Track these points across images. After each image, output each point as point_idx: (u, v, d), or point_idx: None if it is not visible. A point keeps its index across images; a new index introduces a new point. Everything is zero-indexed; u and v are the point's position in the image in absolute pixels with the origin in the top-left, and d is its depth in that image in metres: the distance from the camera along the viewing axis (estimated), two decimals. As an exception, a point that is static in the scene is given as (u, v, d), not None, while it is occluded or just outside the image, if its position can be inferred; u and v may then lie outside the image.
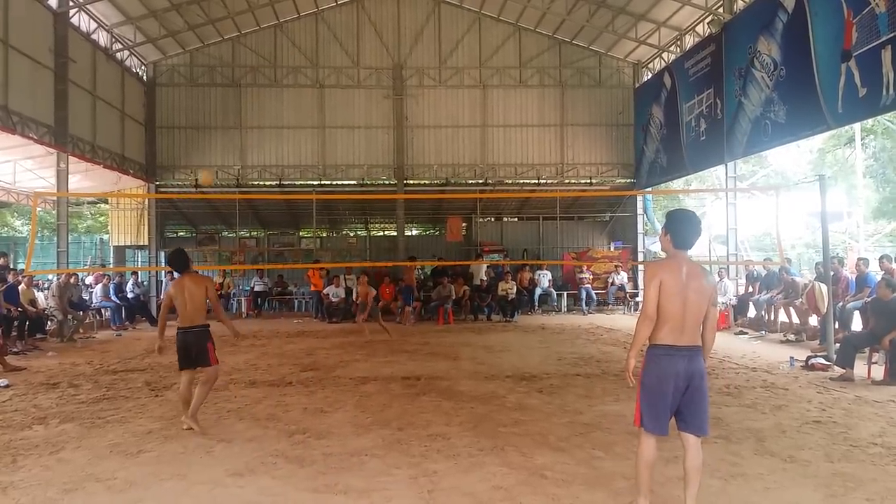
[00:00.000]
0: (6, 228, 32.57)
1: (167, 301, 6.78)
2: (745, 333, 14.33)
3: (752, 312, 15.16)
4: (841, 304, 11.68)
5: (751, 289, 15.57)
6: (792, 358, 10.37)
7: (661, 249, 4.47)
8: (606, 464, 5.37)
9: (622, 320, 18.51)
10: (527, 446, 5.84)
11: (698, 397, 4.19)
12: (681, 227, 4.23)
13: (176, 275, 6.74)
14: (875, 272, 12.11)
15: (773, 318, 14.32)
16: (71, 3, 16.19)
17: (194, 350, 6.54)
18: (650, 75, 21.63)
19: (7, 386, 9.02)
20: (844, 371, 9.02)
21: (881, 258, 11.65)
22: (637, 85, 22.40)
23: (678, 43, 19.58)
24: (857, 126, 22.66)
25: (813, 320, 12.84)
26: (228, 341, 10.39)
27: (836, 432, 6.30)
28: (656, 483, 4.89)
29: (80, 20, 17.13)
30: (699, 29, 18.18)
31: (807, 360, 10.04)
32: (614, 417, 6.92)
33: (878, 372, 8.98)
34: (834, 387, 8.55)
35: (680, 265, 4.19)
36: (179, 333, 6.57)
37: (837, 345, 9.95)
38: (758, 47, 14.59)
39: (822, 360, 9.89)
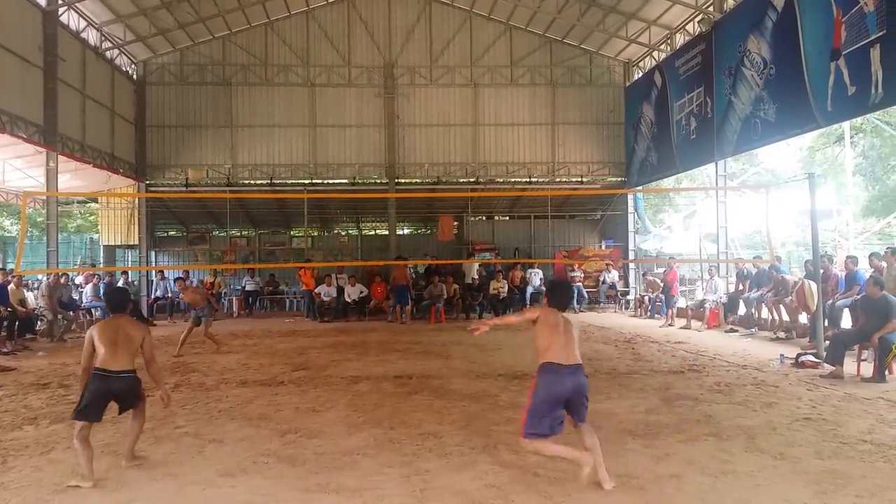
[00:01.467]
0: (-5, 228, 32.38)
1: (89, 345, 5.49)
2: (736, 331, 14.39)
3: (742, 310, 15.22)
4: (830, 301, 11.73)
5: (741, 287, 15.63)
6: (782, 355, 10.41)
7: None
8: (598, 462, 5.38)
9: (613, 318, 18.57)
10: (518, 444, 5.84)
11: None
12: (555, 293, 5.50)
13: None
14: (864, 270, 12.18)
15: (763, 315, 14.38)
16: (60, 2, 16.13)
17: (129, 395, 5.50)
18: (641, 74, 21.68)
19: (-3, 386, 8.97)
20: (834, 368, 9.06)
21: (871, 256, 11.72)
22: (628, 84, 22.45)
23: (669, 42, 19.64)
24: (846, 124, 22.73)
25: (803, 318, 12.90)
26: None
27: (825, 429, 6.34)
28: (647, 480, 4.92)
29: (70, 18, 17.05)
30: (689, 28, 18.25)
31: (797, 358, 10.09)
32: (606, 415, 6.94)
33: (867, 369, 9.04)
34: (824, 384, 8.59)
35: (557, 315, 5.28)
36: (102, 377, 5.35)
37: (827, 342, 10.00)
38: (748, 46, 14.65)
39: (812, 358, 9.95)
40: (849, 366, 9.19)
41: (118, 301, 5.83)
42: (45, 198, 17.52)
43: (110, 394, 5.35)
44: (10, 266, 18.45)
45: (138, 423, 5.60)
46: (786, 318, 13.53)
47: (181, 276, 16.10)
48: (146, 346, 5.60)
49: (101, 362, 5.34)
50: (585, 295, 20.88)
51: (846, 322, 11.63)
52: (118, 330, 5.46)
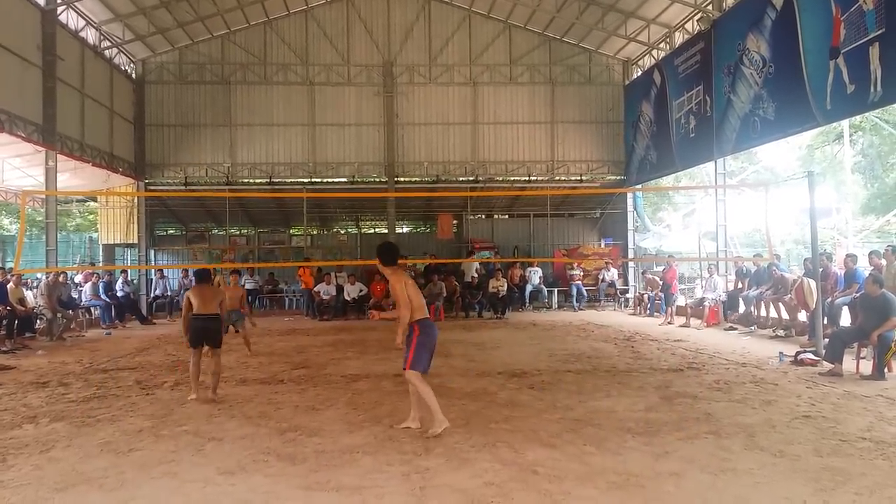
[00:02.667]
0: (-6, 227, 32.35)
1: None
2: (735, 329, 14.41)
3: (741, 308, 15.23)
4: (829, 299, 11.74)
5: (740, 285, 15.64)
6: (781, 353, 10.42)
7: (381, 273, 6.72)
8: (597, 459, 5.39)
9: (613, 316, 18.59)
10: (518, 442, 5.86)
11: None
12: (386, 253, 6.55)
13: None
14: (863, 268, 12.19)
15: (762, 313, 14.39)
16: (59, 1, 16.10)
17: (214, 333, 8.12)
18: (640, 72, 21.69)
19: (-4, 385, 8.97)
20: (833, 366, 9.07)
21: (870, 254, 11.73)
22: (627, 82, 22.46)
23: (668, 40, 19.64)
24: (845, 122, 22.73)
25: (802, 316, 12.91)
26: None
27: (825, 427, 6.34)
28: (647, 478, 4.93)
29: (69, 17, 17.05)
30: (689, 26, 18.25)
31: (796, 356, 10.09)
32: (605, 413, 6.95)
33: (866, 367, 9.04)
34: (823, 382, 8.60)
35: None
36: (198, 319, 8.04)
37: (826, 340, 10.01)
38: (747, 44, 14.65)
39: (811, 356, 9.96)
40: (848, 363, 9.19)
41: (204, 275, 8.60)
42: (44, 197, 17.51)
43: (202, 330, 7.98)
44: (9, 265, 18.44)
45: (215, 363, 8.04)
46: (785, 316, 13.53)
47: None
48: (223, 302, 8.48)
49: (196, 310, 7.97)
50: (585, 293, 20.89)
51: (845, 320, 11.64)
52: (204, 291, 8.19)
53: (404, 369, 6.25)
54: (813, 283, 11.11)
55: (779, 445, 5.74)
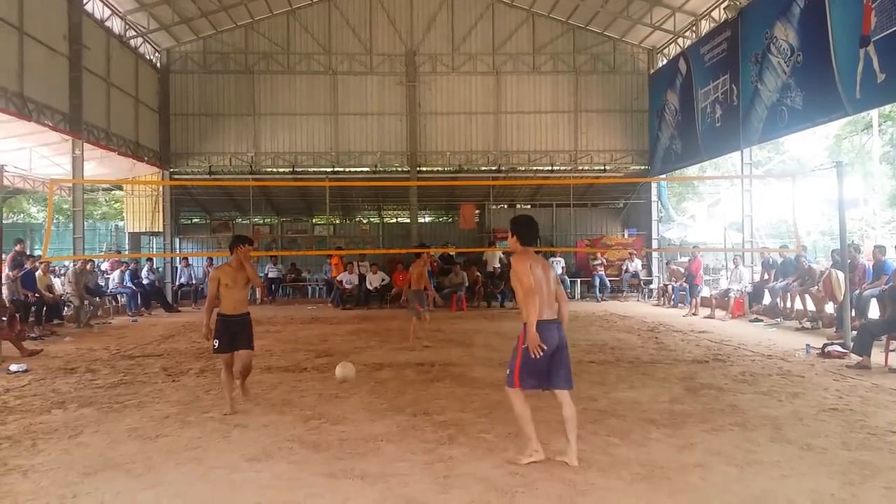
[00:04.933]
0: (22, 215, 32.81)
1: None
2: (760, 321, 14.26)
3: (766, 300, 15.08)
4: (858, 291, 11.59)
5: (766, 276, 15.48)
6: (808, 345, 10.31)
7: (510, 249, 5.41)
8: (622, 451, 5.37)
9: (636, 307, 18.49)
10: (542, 433, 5.78)
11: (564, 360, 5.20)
12: (526, 229, 5.32)
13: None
14: (892, 259, 12.00)
15: (788, 305, 14.23)
16: (85, -10, 16.24)
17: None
18: (665, 61, 21.45)
19: (26, 370, 9.11)
20: (861, 359, 8.96)
21: (897, 246, 11.57)
22: (652, 71, 22.22)
23: (694, 28, 19.39)
24: (874, 112, 22.37)
25: (829, 308, 12.76)
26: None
27: (853, 420, 6.26)
28: (671, 470, 4.89)
29: (94, 7, 17.18)
30: (715, 14, 17.98)
31: (823, 348, 9.98)
32: (629, 405, 6.91)
33: (896, 360, 8.93)
34: (850, 374, 8.50)
35: (535, 258, 5.21)
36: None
37: (854, 332, 9.88)
38: (774, 33, 14.43)
39: (839, 348, 9.83)
40: (876, 356, 9.06)
41: (242, 240, 7.19)
42: (71, 185, 17.71)
43: (231, 335, 6.87)
44: (37, 252, 18.67)
45: (245, 360, 6.96)
46: (811, 307, 13.39)
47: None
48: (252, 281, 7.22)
49: (223, 309, 6.87)
50: (608, 283, 20.80)
51: (873, 312, 11.49)
52: (238, 275, 6.95)
53: (510, 385, 5.13)
54: (841, 275, 10.95)
55: (806, 438, 5.68)
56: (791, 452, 5.31)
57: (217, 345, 6.80)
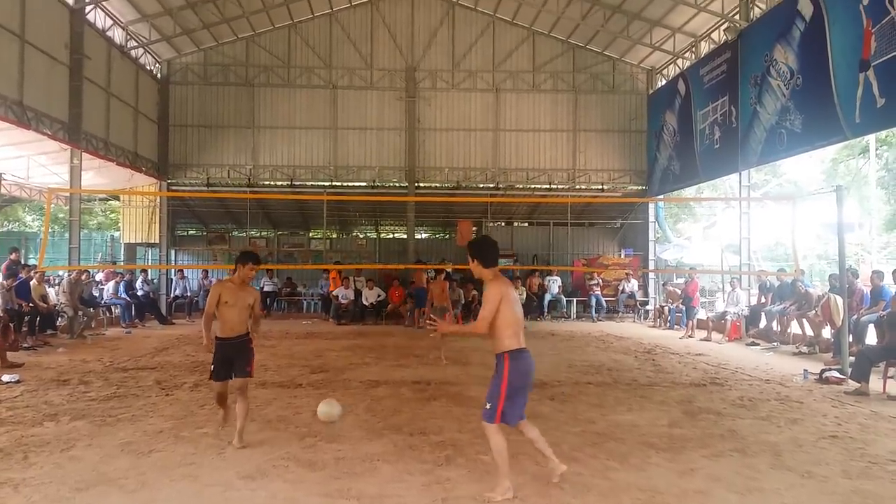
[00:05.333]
0: (17, 223, 32.69)
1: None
2: (757, 344, 14.22)
3: (763, 323, 15.05)
4: (855, 317, 11.57)
5: (763, 299, 15.46)
6: (806, 370, 10.26)
7: (475, 274, 5.08)
8: (621, 475, 5.31)
9: (632, 328, 18.44)
10: (540, 455, 5.77)
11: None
12: (487, 250, 5.00)
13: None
14: (889, 285, 11.98)
15: (786, 329, 14.19)
16: (87, 0, 16.24)
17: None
18: (664, 81, 21.54)
19: (18, 381, 9.01)
20: (860, 385, 8.91)
21: (895, 272, 11.54)
22: (651, 91, 22.31)
23: (693, 49, 19.49)
24: (871, 137, 22.46)
25: (826, 333, 12.73)
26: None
27: (853, 448, 6.22)
28: (672, 496, 4.84)
29: (96, 17, 17.20)
30: (715, 36, 18.09)
31: (821, 374, 9.94)
32: (628, 428, 6.86)
33: (894, 387, 8.88)
34: (849, 401, 8.45)
35: (506, 281, 4.98)
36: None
37: (852, 358, 9.85)
38: (774, 55, 14.49)
39: (837, 374, 9.79)
40: (874, 383, 9.01)
41: (249, 257, 6.42)
42: (67, 195, 17.65)
43: (228, 360, 6.20)
44: (31, 261, 18.56)
45: (242, 398, 6.14)
46: (809, 332, 13.36)
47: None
48: (256, 307, 6.52)
49: (221, 331, 6.21)
50: (604, 304, 20.77)
51: (871, 338, 11.46)
52: (240, 293, 6.29)
53: (489, 421, 4.81)
54: (840, 300, 10.93)
55: (806, 465, 5.63)
56: (792, 480, 5.26)
57: (213, 371, 6.18)
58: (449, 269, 20.66)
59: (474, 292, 19.01)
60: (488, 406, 4.81)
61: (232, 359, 6.12)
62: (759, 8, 15.87)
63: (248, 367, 6.19)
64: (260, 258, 6.52)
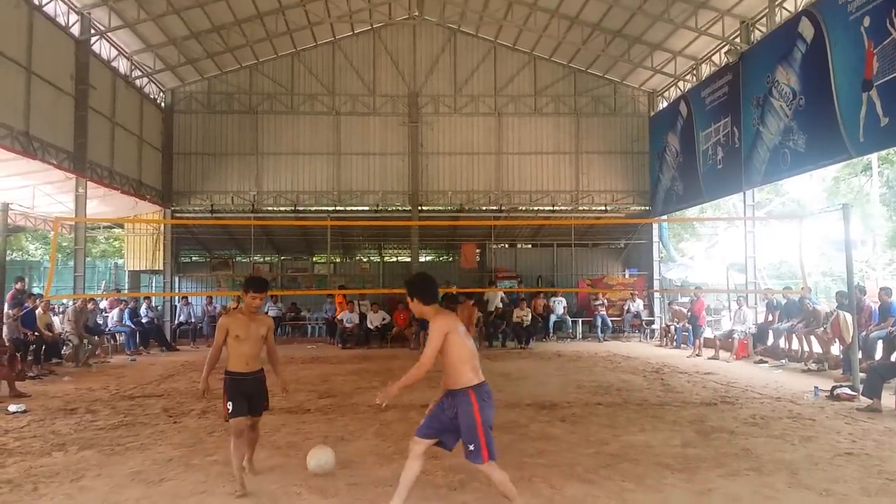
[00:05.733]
0: (20, 252, 32.73)
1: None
2: (765, 362, 14.15)
3: (771, 341, 14.98)
4: (864, 333, 11.52)
5: (770, 317, 15.41)
6: (816, 388, 10.20)
7: (416, 314, 4.90)
8: (638, 496, 5.26)
9: (639, 348, 18.36)
10: (555, 477, 5.73)
11: None
12: (425, 287, 4.85)
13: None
14: (896, 302, 11.94)
15: (794, 347, 14.12)
16: (93, 31, 16.40)
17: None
18: (665, 104, 21.63)
19: (25, 411, 8.96)
20: (872, 401, 8.85)
21: (901, 288, 11.52)
22: (652, 113, 22.40)
23: (694, 72, 19.59)
24: (873, 155, 22.52)
25: (835, 349, 12.67)
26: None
27: (869, 465, 6.16)
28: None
29: (102, 47, 17.34)
30: (716, 58, 18.18)
31: (832, 390, 9.87)
32: (641, 448, 6.80)
33: (906, 403, 8.82)
34: (862, 417, 8.39)
35: (453, 315, 4.85)
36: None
37: (863, 374, 9.79)
38: (776, 76, 14.56)
39: (848, 391, 9.72)
40: (886, 399, 8.95)
41: (259, 284, 5.83)
42: (72, 223, 17.69)
43: (246, 396, 5.71)
44: (35, 290, 18.57)
45: (254, 430, 5.95)
46: (817, 349, 13.29)
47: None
48: (270, 339, 5.99)
49: (232, 366, 5.70)
50: (609, 324, 20.73)
51: (880, 354, 11.39)
52: (250, 326, 5.72)
53: (481, 462, 4.63)
54: (849, 317, 10.89)
55: (823, 484, 5.57)
56: (811, 499, 5.20)
57: (231, 407, 5.53)
58: (453, 292, 20.74)
59: (479, 314, 18.95)
60: (471, 448, 4.62)
61: (252, 395, 5.70)
62: (760, 31, 15.98)
63: (264, 402, 5.89)
64: (266, 283, 5.90)
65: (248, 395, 5.64)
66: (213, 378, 5.86)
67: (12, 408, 9.05)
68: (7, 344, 11.27)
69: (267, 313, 20.82)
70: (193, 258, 25.84)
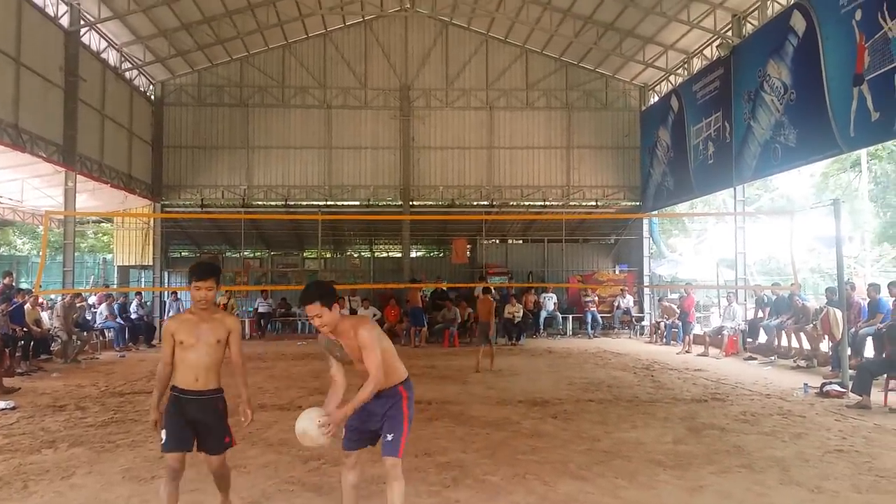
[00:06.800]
0: (7, 247, 32.49)
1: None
2: (755, 359, 14.21)
3: (762, 338, 15.05)
4: (853, 329, 11.57)
5: (760, 314, 15.47)
6: (806, 384, 10.24)
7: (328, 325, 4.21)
8: (631, 493, 5.25)
9: (629, 344, 18.41)
10: (548, 474, 5.73)
11: None
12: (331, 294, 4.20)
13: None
14: (887, 298, 12.00)
15: (783, 343, 14.19)
16: (82, 22, 16.26)
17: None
18: (657, 98, 21.67)
19: (14, 408, 8.89)
20: (861, 398, 8.89)
21: (889, 284, 11.56)
22: (644, 108, 22.43)
23: (686, 66, 19.62)
24: (863, 150, 22.63)
25: (824, 346, 12.73)
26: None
27: (859, 462, 6.18)
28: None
29: (91, 39, 17.20)
30: (707, 52, 18.21)
31: (821, 387, 9.92)
32: (633, 445, 6.81)
33: (895, 399, 8.86)
34: (851, 414, 8.43)
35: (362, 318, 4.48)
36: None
37: (852, 371, 9.84)
38: (767, 70, 14.60)
39: (837, 388, 9.77)
40: (875, 396, 8.99)
41: (207, 270, 4.38)
42: (60, 217, 17.56)
43: (189, 423, 4.33)
44: (23, 285, 18.42)
45: (219, 465, 4.63)
46: (806, 346, 13.36)
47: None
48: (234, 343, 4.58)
49: (176, 381, 4.39)
50: (600, 320, 20.77)
51: (869, 351, 11.46)
52: (200, 326, 4.32)
53: (396, 455, 4.26)
54: (839, 313, 10.92)
55: (815, 480, 5.59)
56: (802, 496, 5.22)
57: (164, 437, 4.20)
58: (444, 287, 20.73)
59: (469, 310, 18.95)
60: (389, 438, 4.26)
61: (195, 423, 4.28)
62: (752, 24, 16.02)
63: (225, 437, 4.44)
64: (212, 268, 4.39)
65: (193, 421, 4.27)
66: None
67: (1, 404, 8.97)
68: (-5, 339, 11.17)
69: (257, 309, 20.88)
70: (183, 253, 25.71)
